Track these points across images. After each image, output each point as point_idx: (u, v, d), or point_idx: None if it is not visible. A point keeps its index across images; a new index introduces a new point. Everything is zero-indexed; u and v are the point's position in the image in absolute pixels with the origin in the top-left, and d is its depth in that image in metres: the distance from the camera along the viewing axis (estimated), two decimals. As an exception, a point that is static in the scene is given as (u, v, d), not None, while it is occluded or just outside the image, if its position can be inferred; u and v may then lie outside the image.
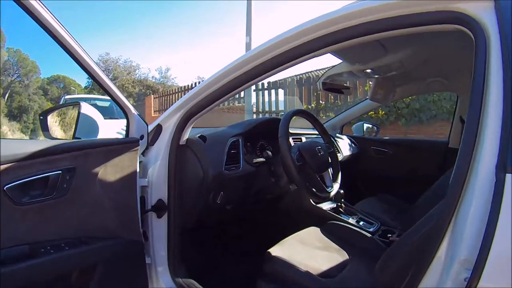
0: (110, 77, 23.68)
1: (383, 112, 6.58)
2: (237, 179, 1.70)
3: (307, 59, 1.24)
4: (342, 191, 2.04)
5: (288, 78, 9.24)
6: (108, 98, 1.29)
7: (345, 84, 2.54)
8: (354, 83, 6.67)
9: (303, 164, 1.67)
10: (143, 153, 1.48)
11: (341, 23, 1.10)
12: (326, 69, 2.29)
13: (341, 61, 2.14)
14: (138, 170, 1.39)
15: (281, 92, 9.24)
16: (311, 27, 1.16)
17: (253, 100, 9.38)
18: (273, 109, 9.31)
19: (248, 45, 8.33)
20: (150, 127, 1.50)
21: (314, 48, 1.19)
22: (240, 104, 10.00)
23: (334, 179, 1.87)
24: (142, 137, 1.43)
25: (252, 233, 2.15)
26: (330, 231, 1.76)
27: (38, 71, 23.72)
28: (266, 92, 9.50)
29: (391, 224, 2.11)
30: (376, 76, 2.30)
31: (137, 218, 1.38)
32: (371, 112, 6.06)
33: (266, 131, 1.98)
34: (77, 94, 20.26)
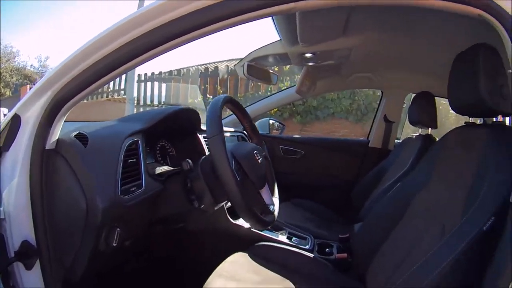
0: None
1: (276, 108, 6.44)
2: (139, 205, 1.15)
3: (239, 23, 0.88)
4: None
5: (180, 69, 8.53)
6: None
7: (271, 71, 2.16)
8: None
9: (243, 179, 1.20)
10: None
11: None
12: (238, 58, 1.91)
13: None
14: None
15: (163, 85, 8.41)
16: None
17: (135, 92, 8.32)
18: (155, 102, 8.43)
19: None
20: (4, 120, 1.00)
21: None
22: (120, 97, 8.76)
23: (273, 193, 1.47)
24: None
25: (164, 273, 1.65)
26: (263, 256, 1.42)
27: None
28: (148, 83, 8.54)
29: (323, 235, 1.91)
30: (310, 64, 1.98)
31: None
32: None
33: (169, 127, 1.50)
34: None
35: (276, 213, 1.33)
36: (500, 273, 0.74)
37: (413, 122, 2.13)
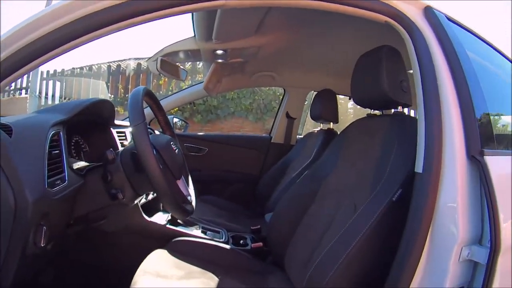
0: None
1: (176, 108, 6.36)
2: (63, 201, 1.04)
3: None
4: None
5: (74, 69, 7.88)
6: None
7: (181, 67, 2.12)
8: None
9: (163, 168, 1.19)
10: None
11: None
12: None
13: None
14: None
15: (65, 82, 7.73)
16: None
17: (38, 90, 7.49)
18: (57, 101, 7.70)
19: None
20: None
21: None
22: (21, 96, 7.78)
23: (188, 184, 1.47)
24: None
25: (83, 278, 1.51)
26: (182, 251, 1.42)
27: None
28: (50, 81, 7.79)
29: (235, 228, 1.95)
30: (219, 61, 2.00)
31: None
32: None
33: (85, 120, 1.41)
34: None
35: (194, 203, 1.33)
36: (411, 240, 0.85)
37: (315, 118, 2.28)
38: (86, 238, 1.43)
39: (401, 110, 1.22)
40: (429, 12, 1.04)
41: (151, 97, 1.34)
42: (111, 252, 1.51)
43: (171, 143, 1.26)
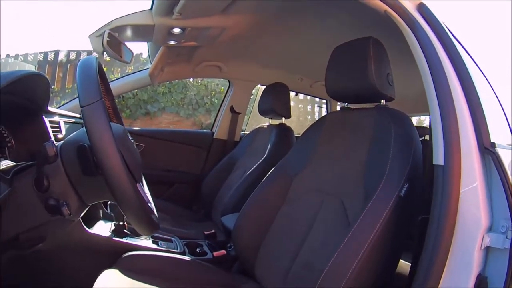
0: None
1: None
2: None
3: None
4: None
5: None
6: None
7: (128, 47, 1.85)
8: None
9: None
10: None
11: None
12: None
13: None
14: None
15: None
16: None
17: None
18: None
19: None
20: None
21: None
22: None
23: (144, 188, 1.18)
24: None
25: None
26: (137, 269, 1.16)
27: None
28: None
29: (186, 234, 1.75)
30: (172, 43, 1.81)
31: None
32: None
33: (12, 103, 1.09)
34: None
35: (155, 212, 1.06)
36: (439, 232, 0.82)
37: (264, 112, 2.18)
38: (21, 264, 1.10)
39: (384, 103, 1.19)
40: (423, 9, 1.03)
41: (100, 74, 1.00)
42: (53, 277, 1.20)
43: (127, 133, 1.00)
